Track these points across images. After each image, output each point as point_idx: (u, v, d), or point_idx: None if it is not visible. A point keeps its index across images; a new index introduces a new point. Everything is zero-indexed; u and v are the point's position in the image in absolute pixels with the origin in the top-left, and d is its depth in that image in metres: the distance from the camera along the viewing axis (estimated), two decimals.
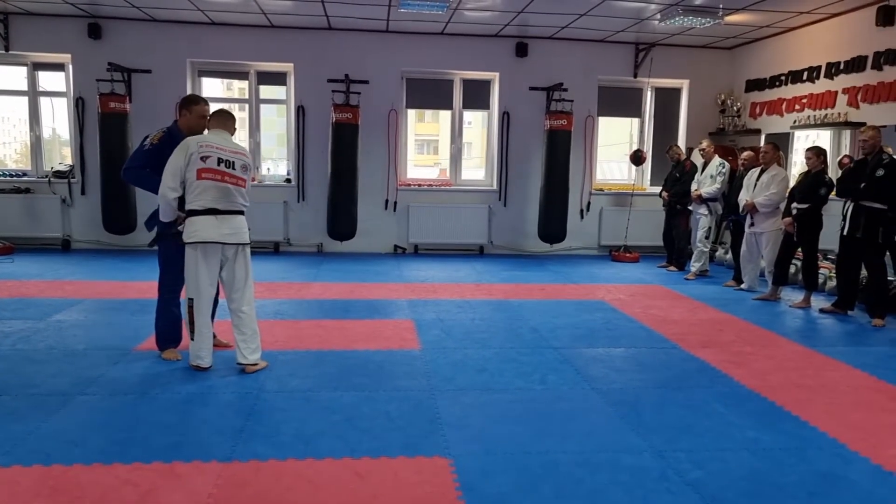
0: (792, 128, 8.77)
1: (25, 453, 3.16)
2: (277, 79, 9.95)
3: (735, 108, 9.98)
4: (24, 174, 9.64)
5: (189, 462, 3.11)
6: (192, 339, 4.39)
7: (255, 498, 2.83)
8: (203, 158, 4.21)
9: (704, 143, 8.69)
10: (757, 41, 9.65)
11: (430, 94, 10.26)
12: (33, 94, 9.59)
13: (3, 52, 9.11)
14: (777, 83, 9.23)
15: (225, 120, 4.50)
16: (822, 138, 8.36)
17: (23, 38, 9.15)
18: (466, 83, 10.20)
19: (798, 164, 8.52)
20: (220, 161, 4.24)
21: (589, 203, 10.38)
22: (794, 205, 6.82)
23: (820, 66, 8.37)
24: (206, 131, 4.49)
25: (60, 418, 3.60)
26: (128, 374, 4.35)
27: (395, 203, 10.00)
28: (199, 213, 4.22)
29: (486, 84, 10.24)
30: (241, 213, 4.39)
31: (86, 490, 2.84)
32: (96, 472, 3.00)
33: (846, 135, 8.07)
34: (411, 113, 10.58)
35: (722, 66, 10.36)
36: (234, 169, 4.29)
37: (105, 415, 3.69)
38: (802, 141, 8.61)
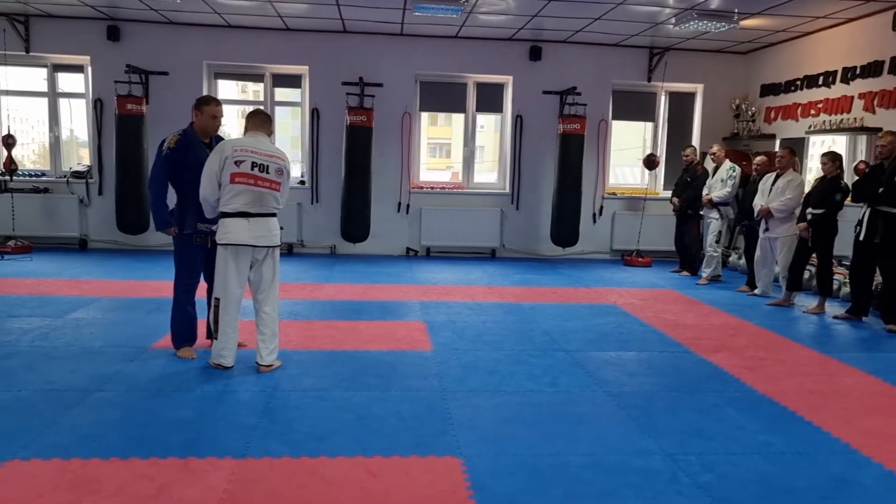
0: (807, 133, 8.74)
1: (45, 447, 3.21)
2: (292, 81, 10.03)
3: (750, 112, 9.95)
4: (43, 174, 9.76)
5: (204, 458, 3.15)
6: (216, 339, 4.43)
7: (268, 494, 2.86)
8: (237, 163, 4.21)
9: (715, 148, 8.67)
10: (772, 46, 9.62)
11: (444, 97, 10.30)
12: (53, 95, 9.71)
13: (24, 53, 9.23)
14: (792, 88, 9.19)
15: (262, 122, 4.48)
16: (838, 144, 8.31)
17: (43, 40, 9.28)
18: (480, 86, 10.23)
19: (813, 170, 8.47)
20: (253, 165, 4.23)
21: (601, 207, 10.38)
22: (810, 210, 6.80)
23: (836, 71, 8.34)
24: (240, 133, 4.52)
25: (78, 414, 3.66)
26: (144, 371, 4.41)
27: (408, 206, 10.04)
28: (231, 216, 4.26)
29: (499, 87, 10.27)
30: (274, 215, 4.40)
31: (103, 483, 2.89)
32: (114, 466, 3.05)
33: (862, 140, 8.03)
34: (424, 116, 10.62)
35: (737, 71, 10.33)
36: (267, 173, 4.27)
37: (122, 411, 3.75)
38: (818, 146, 8.56)
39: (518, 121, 10.05)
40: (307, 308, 6.43)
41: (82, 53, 9.40)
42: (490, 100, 10.29)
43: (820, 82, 8.62)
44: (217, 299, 4.36)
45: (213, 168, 4.25)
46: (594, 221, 10.34)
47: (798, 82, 9.07)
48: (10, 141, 8.83)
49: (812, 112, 8.73)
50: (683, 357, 5.18)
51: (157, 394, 4.01)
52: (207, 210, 4.38)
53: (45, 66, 9.59)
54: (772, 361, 5.11)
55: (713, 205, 8.41)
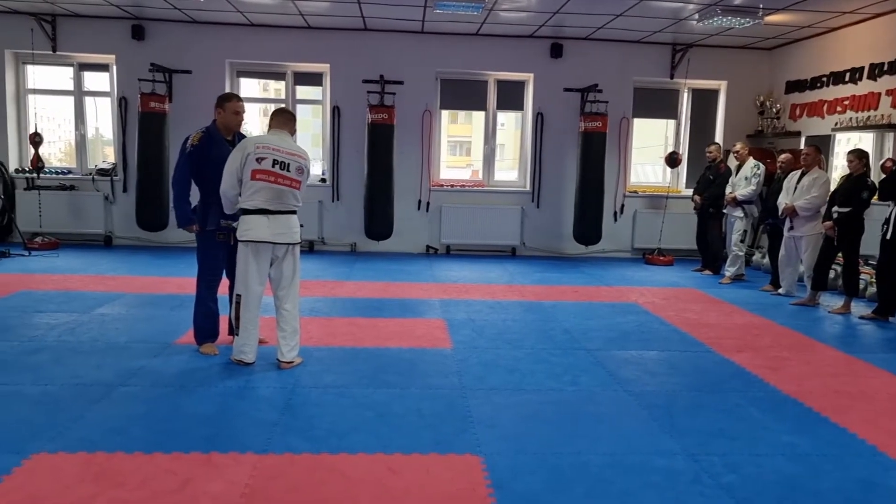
0: (833, 130, 8.62)
1: (70, 441, 3.26)
2: (313, 79, 10.07)
3: (774, 109, 9.83)
4: (70, 172, 9.90)
5: (226, 453, 3.18)
6: (237, 335, 4.47)
7: (289, 490, 2.88)
8: (258, 160, 4.24)
9: (738, 146, 8.58)
10: (797, 41, 9.50)
11: (465, 94, 10.29)
12: (79, 93, 9.85)
13: (51, 52, 9.37)
14: (818, 84, 9.07)
15: (286, 120, 4.51)
16: (865, 141, 8.20)
17: (70, 40, 9.41)
18: (500, 84, 10.21)
19: (839, 168, 8.37)
20: (275, 163, 4.26)
21: (623, 205, 10.31)
22: (836, 208, 6.70)
23: (863, 67, 8.21)
24: (266, 131, 4.53)
25: (103, 408, 3.71)
26: (167, 366, 4.46)
27: (428, 203, 10.05)
28: (252, 213, 4.29)
29: (520, 85, 10.24)
30: (293, 212, 4.43)
31: (127, 477, 2.92)
32: (137, 460, 3.08)
33: (889, 137, 7.90)
34: (444, 114, 10.62)
35: (761, 67, 10.22)
36: (288, 171, 4.29)
37: (146, 405, 3.79)
38: (843, 144, 8.45)
39: (539, 118, 10.01)
40: (328, 305, 6.46)
41: (107, 52, 9.52)
42: (511, 97, 10.27)
43: (846, 79, 8.49)
44: (239, 296, 4.40)
45: (235, 164, 4.28)
46: (615, 220, 10.28)
47: (824, 79, 8.94)
48: (36, 139, 8.97)
49: (838, 109, 8.61)
50: (706, 356, 5.14)
51: (180, 389, 4.05)
52: (227, 205, 4.43)
53: (71, 65, 9.72)
54: (796, 362, 5.04)
55: (737, 203, 8.32)
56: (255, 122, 11.03)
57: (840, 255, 6.92)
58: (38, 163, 9.04)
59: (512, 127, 11.45)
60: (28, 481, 2.87)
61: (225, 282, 4.82)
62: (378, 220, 9.40)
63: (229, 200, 4.38)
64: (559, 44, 9.82)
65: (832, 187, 7.10)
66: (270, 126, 4.51)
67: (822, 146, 7.72)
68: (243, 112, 4.71)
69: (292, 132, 4.54)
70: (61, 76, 9.88)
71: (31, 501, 2.71)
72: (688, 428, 3.69)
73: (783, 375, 4.68)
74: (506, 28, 9.35)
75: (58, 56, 9.49)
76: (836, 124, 8.57)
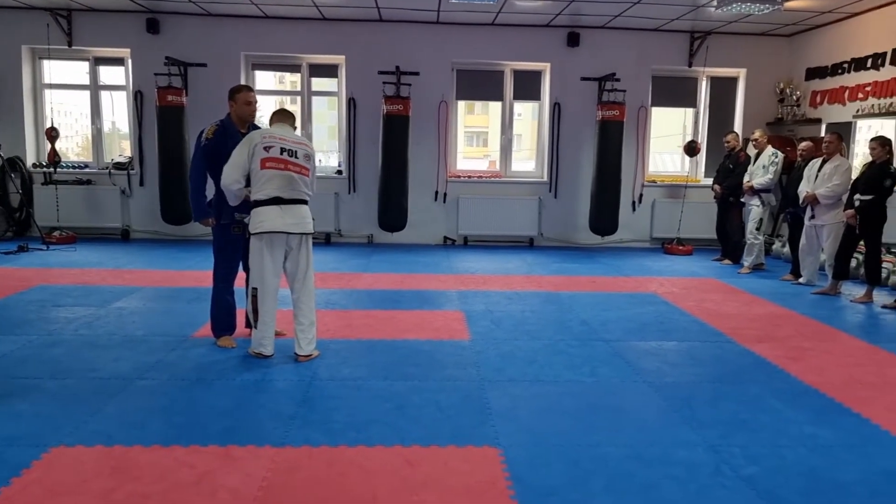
0: (854, 117, 8.48)
1: (88, 434, 3.27)
2: (329, 71, 10.05)
3: (794, 97, 9.69)
4: (86, 166, 9.96)
5: (244, 446, 3.18)
6: (255, 328, 4.47)
7: (307, 482, 2.87)
8: (266, 148, 4.30)
9: (757, 134, 8.46)
10: (818, 28, 9.34)
11: (481, 85, 10.23)
12: (94, 88, 9.89)
13: (67, 47, 9.41)
14: (839, 71, 8.92)
15: (285, 116, 4.65)
16: (887, 128, 8.05)
17: (85, 34, 9.45)
18: (517, 74, 10.14)
19: (860, 155, 8.23)
20: (282, 150, 4.33)
21: (641, 195, 10.22)
22: (857, 196, 6.59)
23: (885, 53, 8.05)
24: (262, 124, 4.57)
25: (121, 401, 3.72)
26: (185, 360, 4.47)
27: (445, 195, 10.02)
28: (264, 204, 4.30)
29: (536, 75, 10.16)
30: (305, 202, 4.45)
31: (145, 470, 2.93)
32: (155, 453, 3.09)
33: None
34: (461, 104, 10.56)
35: (781, 54, 10.06)
36: (296, 157, 4.37)
37: (164, 399, 3.80)
38: (865, 131, 8.31)
39: (556, 108, 9.94)
40: (345, 297, 6.45)
41: (123, 46, 9.55)
42: (527, 87, 10.19)
43: (868, 65, 8.34)
44: (255, 289, 4.40)
45: (242, 157, 4.32)
46: (633, 209, 10.19)
47: (845, 65, 8.79)
48: (53, 133, 9.02)
49: (860, 95, 8.46)
50: (726, 347, 5.08)
51: (197, 382, 4.06)
52: (230, 198, 4.43)
53: (86, 59, 9.77)
54: (817, 352, 4.97)
55: (754, 192, 8.22)
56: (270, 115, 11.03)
57: (862, 243, 6.81)
58: (54, 157, 9.10)
59: (529, 117, 11.37)
60: (46, 475, 2.88)
61: (241, 274, 4.82)
62: (392, 212, 9.37)
63: (232, 193, 4.38)
64: (576, 33, 9.73)
65: (854, 175, 6.98)
66: (271, 123, 4.62)
67: (843, 133, 7.58)
68: (255, 102, 4.71)
69: (293, 125, 4.64)
70: (77, 71, 9.94)
71: (50, 495, 2.72)
72: (708, 419, 3.65)
73: (804, 366, 4.62)
74: (522, 17, 9.27)
75: (73, 51, 9.53)
76: (858, 111, 8.43)
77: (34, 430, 3.31)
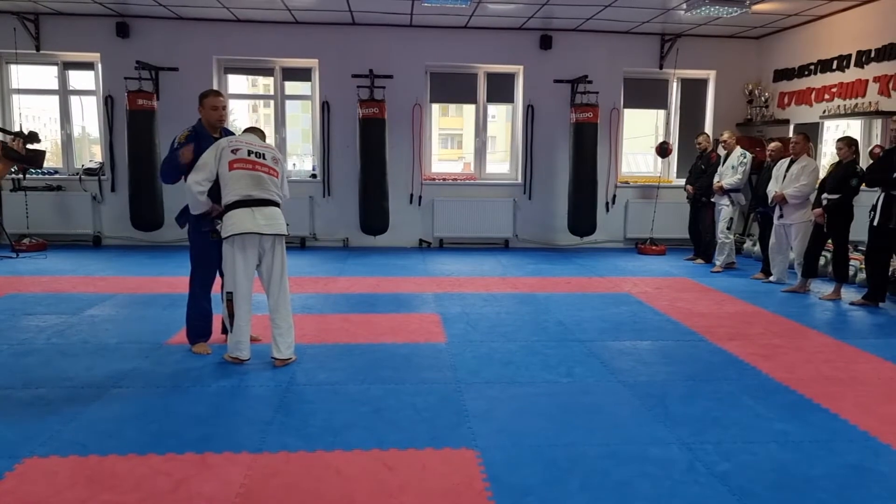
0: (821, 118, 8.64)
1: (62, 444, 3.24)
2: (302, 75, 10.01)
3: (763, 98, 9.85)
4: (56, 172, 9.81)
5: (220, 453, 3.17)
6: (231, 332, 4.46)
7: (285, 488, 2.87)
8: (234, 151, 4.37)
9: (726, 135, 8.59)
10: (785, 30, 9.51)
11: (455, 88, 10.26)
12: (64, 92, 9.76)
13: (34, 51, 9.26)
14: (806, 72, 9.09)
15: (254, 130, 4.76)
16: (853, 128, 8.22)
17: (53, 38, 9.31)
18: (490, 77, 10.18)
19: (828, 155, 8.39)
20: (250, 152, 4.40)
21: (614, 196, 10.32)
22: (825, 196, 6.72)
23: (850, 55, 8.23)
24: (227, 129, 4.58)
25: (95, 410, 3.68)
26: (160, 367, 4.43)
27: (420, 197, 10.03)
28: (235, 206, 4.29)
29: (510, 77, 10.22)
30: (277, 204, 4.46)
31: (121, 479, 2.91)
32: (131, 462, 3.07)
33: (877, 124, 7.93)
34: (435, 107, 10.59)
35: (749, 56, 10.23)
36: (264, 159, 4.43)
37: (138, 407, 3.77)
38: (832, 131, 8.47)
39: (529, 110, 10.00)
40: (321, 302, 6.44)
41: (92, 51, 9.43)
42: (501, 90, 10.25)
43: (834, 66, 8.51)
44: (230, 293, 4.39)
45: (208, 159, 4.36)
46: (607, 210, 10.28)
47: (812, 67, 8.96)
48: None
49: (826, 97, 8.63)
50: (698, 345, 5.15)
51: (173, 389, 4.03)
52: (192, 203, 4.41)
53: (55, 63, 9.63)
54: (788, 349, 5.07)
55: (724, 192, 8.35)
56: (243, 119, 10.97)
57: (830, 241, 6.95)
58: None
59: (503, 119, 11.42)
60: (20, 486, 2.84)
61: (218, 280, 4.80)
62: (374, 215, 9.37)
63: (194, 196, 4.35)
64: (548, 35, 9.80)
65: (821, 175, 7.12)
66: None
67: (810, 134, 7.74)
68: (223, 107, 4.69)
69: (262, 139, 4.71)
70: (46, 75, 9.79)
71: None
72: (682, 417, 3.71)
73: (775, 363, 4.70)
74: (494, 20, 9.32)
75: (41, 55, 9.38)
76: (825, 112, 8.60)
77: (6, 441, 3.26)
